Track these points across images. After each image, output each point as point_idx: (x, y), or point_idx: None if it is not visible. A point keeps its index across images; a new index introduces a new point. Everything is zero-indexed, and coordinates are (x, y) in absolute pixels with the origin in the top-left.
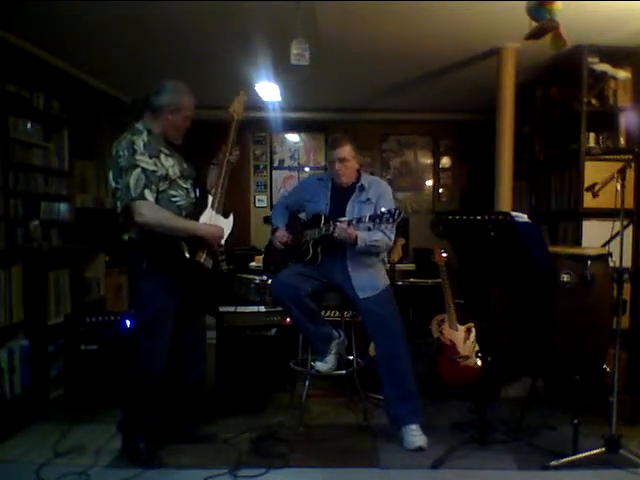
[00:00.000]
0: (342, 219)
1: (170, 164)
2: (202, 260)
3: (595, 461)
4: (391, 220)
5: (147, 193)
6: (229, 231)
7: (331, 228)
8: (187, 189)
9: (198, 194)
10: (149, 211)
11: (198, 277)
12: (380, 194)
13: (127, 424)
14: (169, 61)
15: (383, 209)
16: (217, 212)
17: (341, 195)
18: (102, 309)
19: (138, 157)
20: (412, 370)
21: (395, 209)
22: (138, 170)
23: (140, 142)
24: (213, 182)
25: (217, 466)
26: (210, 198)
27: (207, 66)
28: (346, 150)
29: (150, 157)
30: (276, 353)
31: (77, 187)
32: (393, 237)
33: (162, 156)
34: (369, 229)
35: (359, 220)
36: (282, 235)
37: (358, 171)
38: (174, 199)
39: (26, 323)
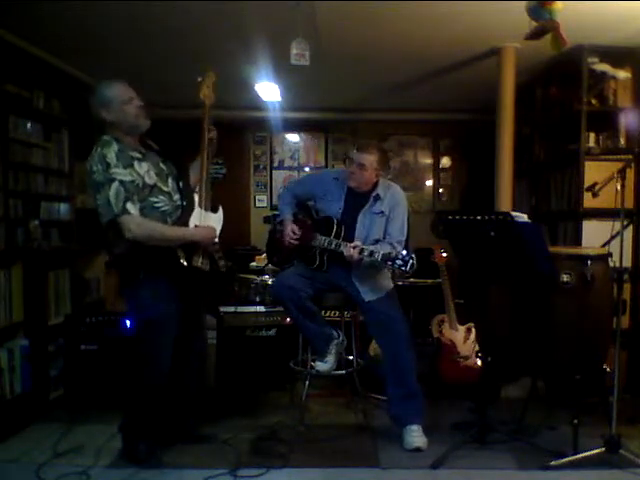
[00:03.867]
0: (354, 244)
1: (144, 170)
2: (199, 264)
3: (595, 461)
4: (403, 268)
5: (129, 206)
6: (220, 225)
7: (341, 247)
8: (169, 193)
9: (182, 194)
10: (137, 226)
11: (196, 280)
12: (394, 206)
13: (128, 426)
14: (169, 61)
15: (401, 255)
16: (206, 209)
17: (355, 201)
18: (102, 309)
19: (113, 170)
20: (416, 370)
21: (410, 257)
22: (116, 184)
23: (112, 154)
24: (197, 176)
25: (217, 466)
26: (196, 197)
27: (207, 66)
28: (369, 159)
29: (125, 167)
30: (276, 353)
31: (77, 187)
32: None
33: (135, 163)
34: (376, 241)
35: (371, 254)
36: (292, 230)
37: (376, 182)
38: (157, 205)
39: (26, 323)
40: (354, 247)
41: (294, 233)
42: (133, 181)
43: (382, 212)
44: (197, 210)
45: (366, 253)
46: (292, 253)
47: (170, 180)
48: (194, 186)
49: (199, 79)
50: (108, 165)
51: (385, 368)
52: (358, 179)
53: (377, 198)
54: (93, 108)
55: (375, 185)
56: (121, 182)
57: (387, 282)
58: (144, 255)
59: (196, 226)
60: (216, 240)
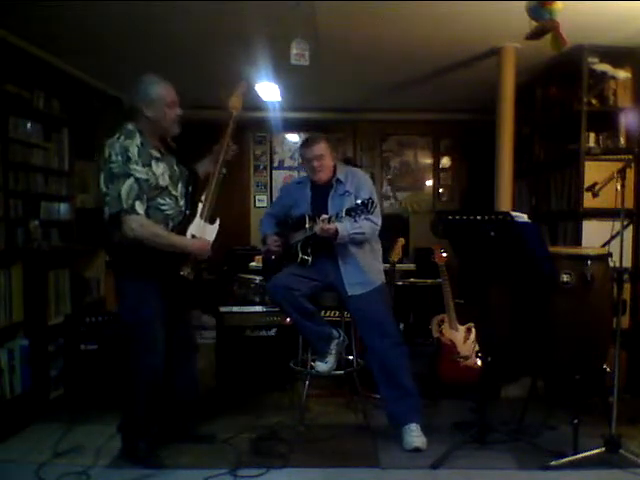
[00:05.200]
0: (322, 217)
1: (160, 171)
2: (186, 274)
3: (595, 461)
4: (365, 211)
5: (138, 205)
6: (214, 237)
7: (314, 227)
8: (176, 197)
9: (187, 201)
10: (140, 227)
11: (181, 285)
12: (357, 185)
13: (127, 426)
14: (169, 61)
15: (358, 201)
16: (205, 220)
17: (321, 193)
18: (102, 309)
19: (132, 166)
20: (409, 369)
21: (368, 199)
22: (131, 180)
23: (134, 148)
24: (205, 172)
25: (217, 466)
26: (200, 206)
27: (207, 66)
28: (322, 147)
29: (143, 165)
30: (276, 353)
31: (77, 187)
32: (379, 221)
33: (153, 162)
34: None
35: (337, 216)
36: (273, 241)
37: (334, 166)
38: (162, 207)
39: (26, 323)
40: (322, 220)
41: (276, 242)
42: (147, 180)
43: (347, 191)
44: (197, 219)
45: (333, 218)
46: (280, 263)
47: (180, 184)
48: (203, 177)
49: (225, 92)
50: (129, 159)
51: (373, 367)
52: (322, 169)
53: (339, 181)
54: (132, 95)
55: (334, 171)
56: (137, 179)
57: (375, 278)
58: (136, 250)
59: (193, 236)
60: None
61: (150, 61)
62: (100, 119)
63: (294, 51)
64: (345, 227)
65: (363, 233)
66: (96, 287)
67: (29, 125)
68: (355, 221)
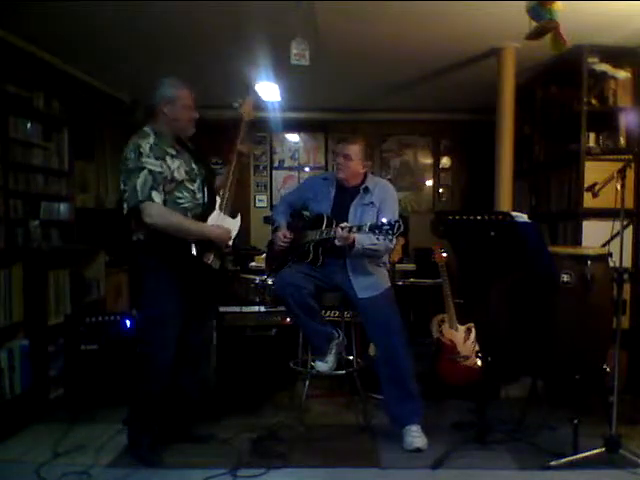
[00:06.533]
0: (343, 225)
1: (176, 166)
2: (209, 261)
3: (595, 461)
4: (390, 232)
5: (154, 194)
6: (236, 231)
7: (332, 233)
8: (193, 191)
9: (206, 195)
10: (158, 213)
11: (205, 278)
12: (384, 198)
13: (132, 421)
14: (169, 61)
15: (384, 220)
16: (225, 213)
17: (345, 196)
18: (102, 309)
19: (144, 159)
20: (412, 370)
21: (395, 221)
22: (145, 172)
23: (146, 145)
24: (222, 182)
25: (217, 466)
26: (218, 199)
27: (207, 66)
28: (353, 149)
29: (156, 159)
30: (276, 353)
31: (77, 187)
32: (394, 241)
33: (168, 158)
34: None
35: (359, 228)
36: (283, 235)
37: (365, 174)
38: (180, 201)
39: (26, 323)
40: (342, 228)
41: (285, 237)
42: (161, 172)
43: (372, 203)
44: (216, 212)
45: (354, 229)
46: (287, 257)
47: (198, 180)
48: (218, 190)
49: (240, 101)
50: (140, 154)
51: (380, 368)
52: (345, 169)
53: (366, 190)
54: (153, 95)
55: (364, 179)
56: (150, 171)
57: (383, 282)
58: (158, 245)
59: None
60: (230, 243)
61: (150, 61)
62: (100, 119)
63: (294, 51)
64: (362, 240)
65: (377, 250)
66: (96, 287)
67: (29, 125)
68: (375, 237)
